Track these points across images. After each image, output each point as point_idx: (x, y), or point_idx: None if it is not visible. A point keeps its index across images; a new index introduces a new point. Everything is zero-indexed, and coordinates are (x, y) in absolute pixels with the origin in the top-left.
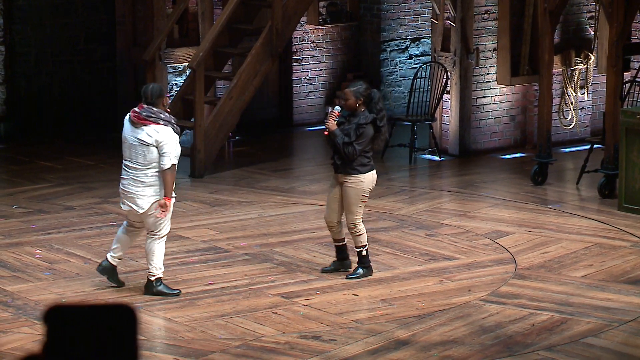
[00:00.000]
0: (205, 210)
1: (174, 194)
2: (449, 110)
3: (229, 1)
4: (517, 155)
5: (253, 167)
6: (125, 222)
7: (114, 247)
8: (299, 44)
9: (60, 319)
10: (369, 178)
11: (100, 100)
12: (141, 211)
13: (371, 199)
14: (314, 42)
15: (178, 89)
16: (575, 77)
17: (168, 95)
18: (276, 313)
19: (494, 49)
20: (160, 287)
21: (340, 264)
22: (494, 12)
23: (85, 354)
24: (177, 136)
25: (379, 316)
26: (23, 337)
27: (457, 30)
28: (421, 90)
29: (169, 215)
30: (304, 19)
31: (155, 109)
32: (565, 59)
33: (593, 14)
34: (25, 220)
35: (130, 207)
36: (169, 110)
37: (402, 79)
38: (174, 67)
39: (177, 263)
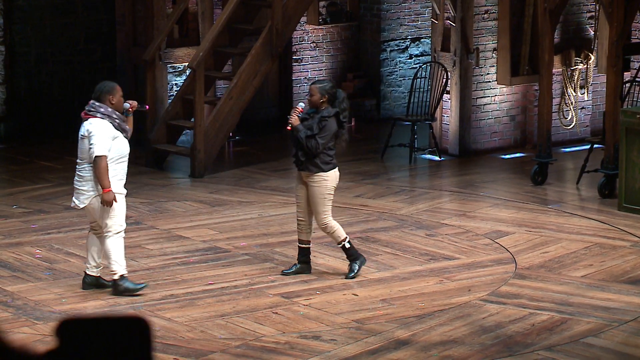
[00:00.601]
0: (205, 210)
1: (124, 189)
2: (449, 110)
3: (229, 1)
4: (517, 155)
5: (253, 167)
6: (90, 232)
7: (88, 259)
8: (299, 44)
9: (73, 333)
10: (332, 176)
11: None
12: (81, 206)
13: (371, 198)
14: (314, 42)
15: (178, 89)
16: (575, 77)
17: (122, 94)
18: (276, 313)
19: (494, 49)
20: (126, 284)
21: (302, 267)
22: (494, 12)
23: None
24: (120, 132)
25: (379, 316)
26: (23, 337)
27: (457, 30)
28: (421, 90)
29: (120, 210)
30: (304, 19)
31: (97, 103)
32: (565, 59)
33: (593, 13)
34: (25, 220)
35: (74, 202)
36: (130, 105)
37: (402, 78)
38: (174, 67)
39: (177, 263)
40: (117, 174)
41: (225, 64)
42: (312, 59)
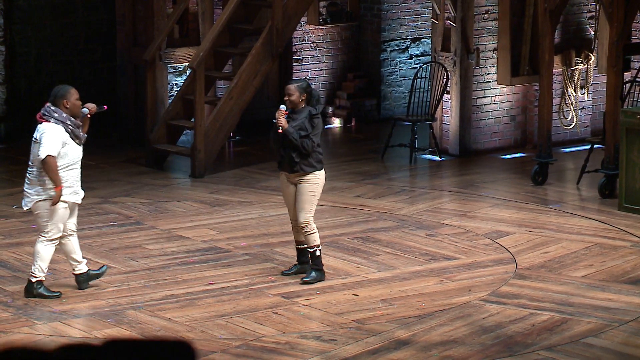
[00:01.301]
0: (205, 210)
1: (69, 199)
2: (449, 110)
3: (229, 1)
4: (518, 155)
5: (253, 167)
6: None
7: (70, 262)
8: (299, 44)
9: (118, 354)
10: (324, 175)
11: (101, 100)
12: (25, 208)
13: (371, 198)
14: (314, 42)
15: (178, 89)
16: (576, 77)
17: (77, 97)
18: (276, 313)
19: (494, 49)
20: (41, 290)
21: (302, 267)
22: (494, 12)
23: None
24: (73, 139)
25: (379, 316)
26: (23, 337)
27: (458, 30)
28: (421, 90)
29: (57, 218)
30: (304, 19)
31: (53, 107)
32: (566, 59)
33: (593, 14)
34: (25, 220)
35: (21, 204)
36: (89, 109)
37: (402, 79)
38: (174, 67)
39: (177, 263)
40: (67, 181)
41: (226, 64)
42: (313, 59)
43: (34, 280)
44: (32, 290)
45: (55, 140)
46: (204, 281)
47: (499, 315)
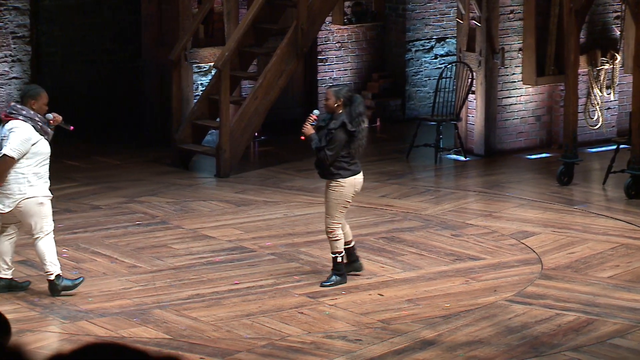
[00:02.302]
0: (230, 210)
1: (49, 193)
2: (474, 110)
3: (254, 1)
4: (543, 155)
5: (278, 167)
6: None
7: (0, 263)
8: (324, 44)
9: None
10: (350, 182)
11: (126, 100)
12: (6, 210)
13: (397, 198)
14: (339, 42)
15: (204, 88)
16: (601, 77)
17: (46, 102)
18: (302, 313)
19: (520, 49)
20: (64, 282)
21: (351, 266)
22: (519, 12)
23: None
24: (41, 134)
25: (404, 316)
26: (50, 335)
27: (483, 30)
28: (446, 90)
29: (48, 211)
30: (329, 18)
31: (19, 106)
32: (591, 59)
33: (619, 13)
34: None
35: None
36: (53, 117)
37: (427, 79)
38: (199, 67)
39: (202, 263)
40: (43, 176)
41: (251, 64)
42: (337, 59)
43: (52, 277)
44: (56, 287)
45: (23, 142)
46: (230, 281)
47: (524, 315)
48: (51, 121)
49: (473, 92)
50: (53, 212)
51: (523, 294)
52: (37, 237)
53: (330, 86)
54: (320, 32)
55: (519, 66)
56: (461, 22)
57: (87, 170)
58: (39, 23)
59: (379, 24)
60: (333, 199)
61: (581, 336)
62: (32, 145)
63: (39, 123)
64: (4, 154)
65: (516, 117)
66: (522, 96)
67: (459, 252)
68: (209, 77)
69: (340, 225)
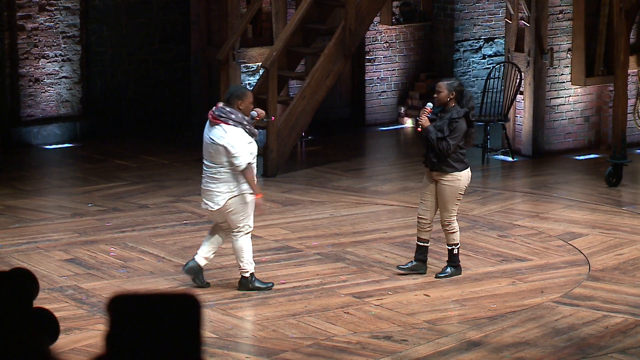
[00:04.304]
0: (277, 209)
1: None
2: (522, 111)
3: (302, 1)
4: (591, 156)
5: (325, 167)
6: (215, 226)
7: (202, 247)
8: (371, 44)
9: (123, 308)
10: (465, 175)
11: (175, 100)
12: (216, 208)
13: None
14: (386, 42)
15: (251, 88)
16: None
17: (252, 100)
18: (348, 313)
19: (569, 49)
20: (256, 283)
21: (418, 265)
22: (568, 12)
23: (148, 343)
24: (250, 137)
25: (450, 317)
26: (98, 334)
27: (531, 30)
28: (494, 90)
29: (250, 211)
30: (377, 18)
31: (228, 109)
32: None
33: None
34: (100, 218)
35: (207, 204)
36: (257, 114)
37: (475, 79)
38: (247, 67)
39: None
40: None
41: (299, 64)
42: (385, 59)
43: (247, 275)
44: (247, 284)
45: (244, 146)
46: (276, 280)
47: (571, 317)
48: (256, 117)
49: (521, 93)
50: (101, 210)
51: (570, 296)
52: (238, 234)
53: (441, 79)
54: (368, 32)
55: (567, 66)
56: (510, 22)
57: (135, 169)
58: (89, 23)
59: (427, 24)
60: (450, 193)
61: (629, 338)
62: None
63: (247, 126)
64: (248, 164)
65: (564, 117)
66: (571, 97)
67: (506, 253)
68: (257, 76)
69: (456, 218)
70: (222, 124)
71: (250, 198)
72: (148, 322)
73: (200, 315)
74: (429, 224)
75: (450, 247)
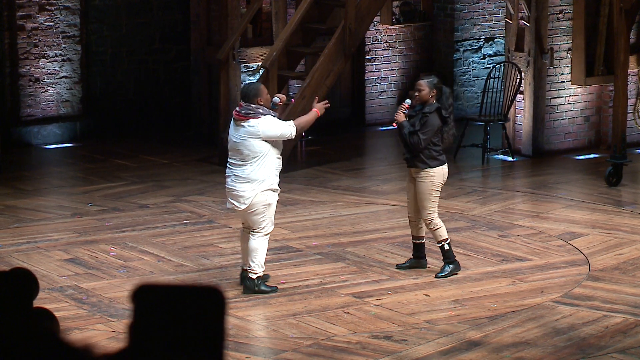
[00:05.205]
0: (277, 209)
1: (278, 189)
2: (522, 111)
3: (302, 1)
4: (591, 156)
5: (325, 167)
6: (241, 230)
7: (244, 257)
8: (372, 44)
9: (148, 298)
10: (439, 172)
11: (175, 100)
12: (242, 207)
13: (443, 199)
14: (387, 41)
15: None
16: None
17: (267, 92)
18: (348, 313)
19: (569, 49)
20: (262, 287)
21: (416, 262)
22: (568, 12)
23: (171, 335)
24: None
25: (450, 317)
26: (97, 334)
27: (531, 30)
28: (494, 90)
29: (272, 212)
30: (377, 18)
31: (253, 105)
32: None
33: None
34: (100, 218)
35: (233, 204)
36: (280, 99)
37: (475, 79)
38: (247, 67)
39: None
40: (278, 167)
41: (299, 64)
42: (385, 58)
43: (254, 277)
44: (253, 287)
45: (283, 123)
46: (276, 280)
47: (571, 317)
48: (279, 103)
49: (521, 92)
50: (101, 210)
51: (570, 295)
52: (256, 234)
53: (421, 77)
54: (368, 32)
55: (567, 66)
56: (510, 22)
57: (135, 169)
58: (89, 23)
59: (427, 23)
60: (424, 190)
61: (629, 338)
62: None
63: (275, 117)
64: (293, 127)
65: (564, 117)
66: (571, 96)
67: (506, 252)
68: (257, 76)
69: (436, 214)
70: (251, 119)
71: (273, 199)
72: (172, 314)
73: (224, 309)
74: (416, 220)
75: (440, 245)
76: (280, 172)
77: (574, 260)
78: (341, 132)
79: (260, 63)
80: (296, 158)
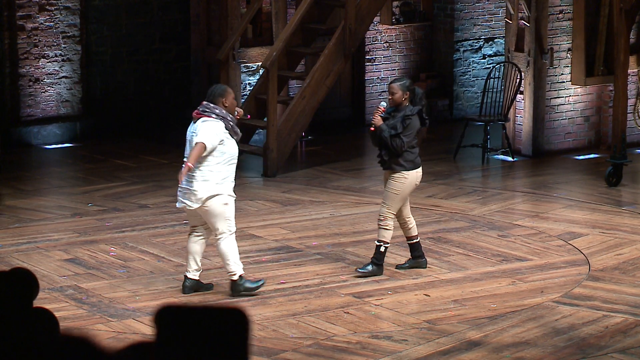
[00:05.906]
0: (277, 209)
1: (233, 194)
2: (522, 111)
3: (302, 1)
4: (591, 156)
5: (325, 167)
6: (190, 235)
7: (189, 263)
8: (371, 44)
9: (171, 320)
10: (413, 175)
11: (175, 99)
12: (194, 206)
13: (443, 199)
14: (386, 42)
15: (251, 88)
16: None
17: (234, 97)
18: (348, 312)
19: (569, 49)
20: (246, 284)
21: (416, 262)
22: (568, 12)
23: (196, 356)
24: (232, 135)
25: (450, 317)
26: (97, 334)
27: (531, 30)
28: (494, 90)
29: (231, 212)
30: (377, 18)
31: (212, 105)
32: None
33: None
34: (100, 218)
35: (184, 203)
36: (237, 112)
37: (475, 79)
38: (247, 67)
39: (249, 262)
40: (229, 176)
41: (299, 64)
42: (385, 58)
43: (235, 277)
44: (238, 288)
45: (214, 134)
46: (276, 280)
47: (571, 317)
48: (236, 116)
49: (521, 93)
50: (101, 210)
51: (570, 295)
52: (220, 237)
53: (393, 81)
54: (368, 32)
55: (567, 66)
56: (510, 22)
57: (135, 169)
58: (89, 23)
59: (427, 23)
60: (395, 189)
61: (629, 338)
62: (220, 143)
63: (231, 123)
64: (202, 142)
65: (564, 117)
66: (571, 96)
67: (506, 252)
68: (257, 76)
69: (393, 217)
70: (205, 117)
71: (231, 200)
72: (195, 336)
73: (248, 330)
74: (405, 221)
75: (378, 244)
76: (281, 172)
77: (574, 260)
78: (341, 132)
79: (260, 63)
80: (296, 158)
